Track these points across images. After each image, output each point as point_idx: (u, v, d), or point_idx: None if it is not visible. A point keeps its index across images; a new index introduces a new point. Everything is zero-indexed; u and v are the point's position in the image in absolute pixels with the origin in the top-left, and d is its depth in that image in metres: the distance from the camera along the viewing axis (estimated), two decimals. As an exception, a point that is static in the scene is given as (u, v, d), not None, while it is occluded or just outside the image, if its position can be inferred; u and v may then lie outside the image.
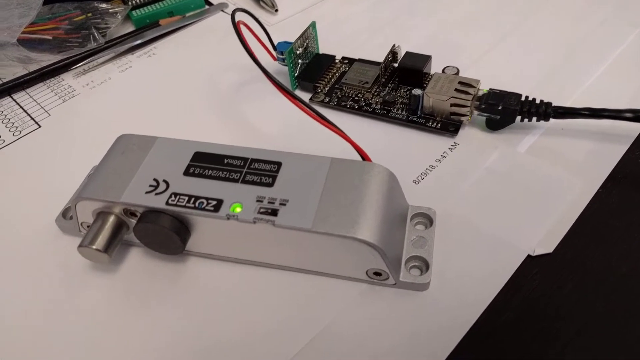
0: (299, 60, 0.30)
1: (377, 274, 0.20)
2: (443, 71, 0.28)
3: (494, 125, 0.26)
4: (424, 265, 0.21)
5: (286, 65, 0.30)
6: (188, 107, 0.30)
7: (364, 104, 0.28)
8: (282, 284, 0.21)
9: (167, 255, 0.22)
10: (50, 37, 0.35)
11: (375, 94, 0.29)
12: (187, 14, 0.38)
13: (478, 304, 0.20)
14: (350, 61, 0.31)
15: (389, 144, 0.27)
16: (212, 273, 0.22)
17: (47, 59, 0.33)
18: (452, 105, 0.26)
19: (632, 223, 0.22)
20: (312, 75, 0.30)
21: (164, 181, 0.21)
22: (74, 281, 0.22)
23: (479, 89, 0.26)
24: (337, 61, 0.31)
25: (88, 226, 0.22)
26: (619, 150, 0.25)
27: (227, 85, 0.31)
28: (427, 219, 0.22)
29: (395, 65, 0.29)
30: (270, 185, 0.20)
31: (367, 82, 0.29)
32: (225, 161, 0.22)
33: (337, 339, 0.20)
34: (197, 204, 0.20)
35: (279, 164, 0.21)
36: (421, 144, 0.26)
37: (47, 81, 0.33)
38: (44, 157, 0.28)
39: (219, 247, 0.22)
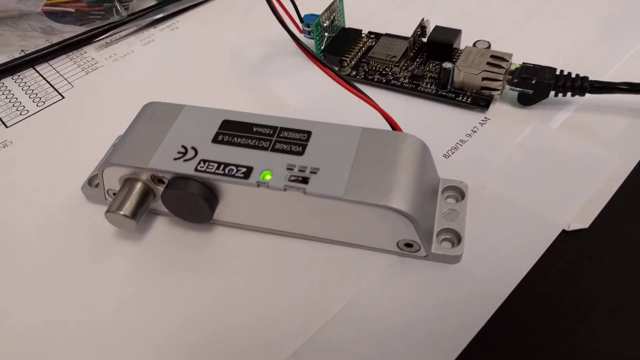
0: (325, 34, 0.29)
1: (408, 245, 0.20)
2: (474, 45, 0.27)
3: (526, 100, 0.26)
4: (456, 238, 0.20)
5: (312, 38, 0.29)
6: (212, 79, 0.30)
7: (391, 77, 0.28)
8: (311, 254, 0.21)
9: (194, 223, 0.22)
10: (72, 10, 0.35)
11: (404, 68, 0.28)
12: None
13: (511, 278, 0.20)
14: (377, 36, 0.30)
15: (418, 118, 0.26)
16: (239, 242, 0.22)
17: (71, 30, 0.33)
18: (483, 79, 0.25)
19: (671, 200, 0.22)
20: (338, 49, 0.30)
21: (193, 148, 0.21)
22: (100, 249, 0.22)
23: (511, 63, 0.26)
24: (363, 35, 0.31)
25: (114, 194, 0.22)
26: (657, 127, 0.24)
27: (252, 59, 0.31)
28: (459, 193, 0.22)
29: (424, 39, 0.29)
30: (300, 153, 0.20)
31: (394, 56, 0.28)
32: (255, 129, 0.21)
33: (367, 310, 0.19)
34: (226, 171, 0.20)
35: (308, 133, 0.21)
36: (451, 118, 0.26)
37: (70, 53, 0.33)
38: (68, 127, 0.28)
39: (247, 216, 0.21)
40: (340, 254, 0.21)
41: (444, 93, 0.27)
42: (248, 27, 0.34)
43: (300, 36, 0.30)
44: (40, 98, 0.30)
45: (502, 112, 0.26)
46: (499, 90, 0.26)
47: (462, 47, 0.28)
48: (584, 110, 0.25)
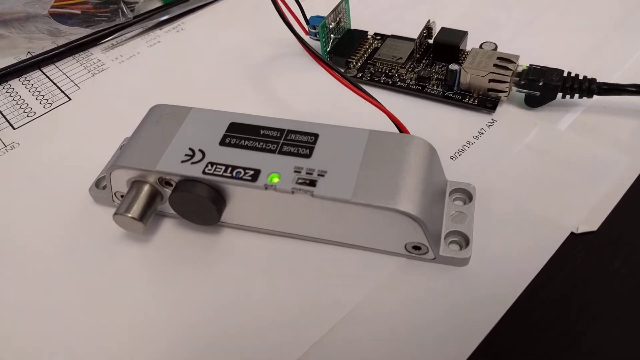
0: (332, 35, 0.29)
1: (416, 247, 0.20)
2: (480, 47, 0.27)
3: (533, 102, 0.25)
4: (464, 241, 0.20)
5: (318, 39, 0.29)
6: (218, 81, 0.30)
7: (398, 79, 0.28)
8: (318, 257, 0.21)
9: (202, 225, 0.22)
10: (79, 12, 0.35)
11: (410, 69, 0.28)
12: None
13: (520, 281, 0.20)
14: (383, 37, 0.30)
15: (424, 119, 0.26)
16: (247, 244, 0.22)
17: (77, 32, 0.33)
18: (490, 81, 0.25)
19: (680, 203, 0.22)
20: (344, 50, 0.30)
21: (200, 151, 0.21)
22: (108, 251, 0.22)
23: (518, 65, 0.26)
24: (369, 37, 0.31)
25: (121, 196, 0.22)
26: (666, 129, 0.24)
27: (258, 61, 0.31)
28: (466, 195, 0.22)
29: (430, 41, 0.29)
30: (308, 156, 0.20)
31: (400, 58, 0.28)
32: (262, 132, 0.21)
33: (375, 313, 0.19)
34: (234, 174, 0.20)
35: (315, 136, 0.21)
36: (457, 120, 0.26)
37: (76, 55, 0.33)
38: (75, 129, 0.28)
39: (254, 219, 0.21)
40: (348, 256, 0.21)
41: (451, 95, 0.26)
42: (254, 28, 0.34)
43: (306, 38, 0.29)
44: (47, 100, 0.30)
45: (509, 113, 0.26)
46: (506, 92, 0.25)
47: (468, 48, 0.28)
48: (591, 112, 0.25)
